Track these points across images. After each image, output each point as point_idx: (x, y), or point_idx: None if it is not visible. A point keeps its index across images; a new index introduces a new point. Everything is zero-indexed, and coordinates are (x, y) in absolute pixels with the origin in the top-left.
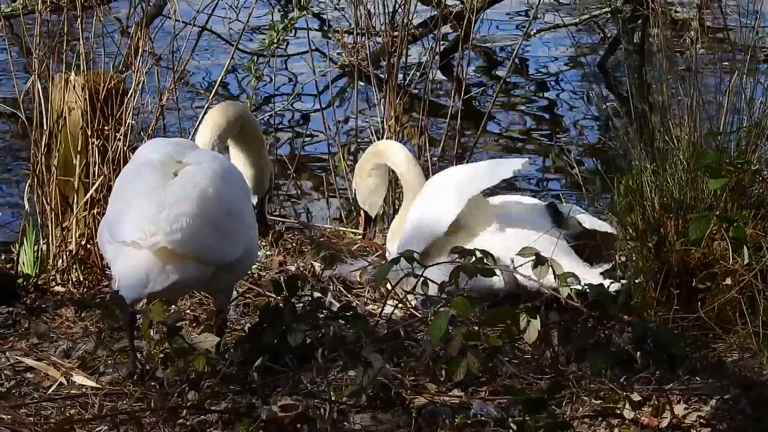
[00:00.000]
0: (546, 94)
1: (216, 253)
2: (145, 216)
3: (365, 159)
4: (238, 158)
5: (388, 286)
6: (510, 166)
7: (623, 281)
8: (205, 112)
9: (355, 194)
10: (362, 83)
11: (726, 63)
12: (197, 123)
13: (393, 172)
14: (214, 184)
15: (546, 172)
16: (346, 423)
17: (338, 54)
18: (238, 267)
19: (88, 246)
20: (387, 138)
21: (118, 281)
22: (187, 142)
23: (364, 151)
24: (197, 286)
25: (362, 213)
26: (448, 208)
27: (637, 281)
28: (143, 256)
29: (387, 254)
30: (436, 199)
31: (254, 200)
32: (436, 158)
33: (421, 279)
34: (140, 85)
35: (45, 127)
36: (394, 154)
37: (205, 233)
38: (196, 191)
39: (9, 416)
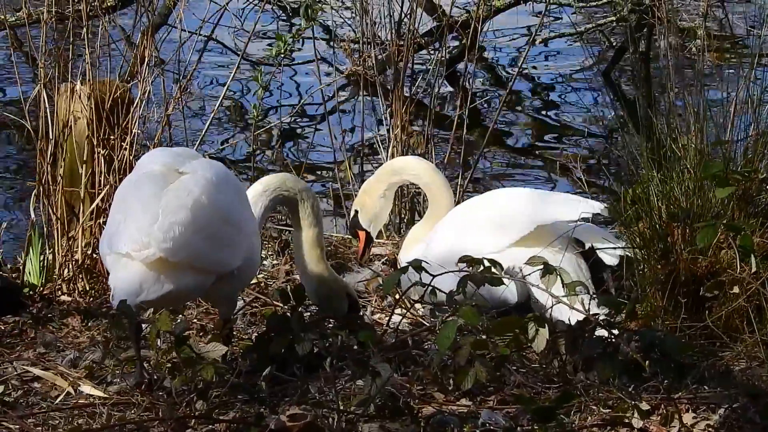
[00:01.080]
0: (552, 103)
1: (213, 261)
2: (139, 227)
3: (378, 179)
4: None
5: (396, 296)
6: (588, 206)
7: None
8: (211, 122)
9: (355, 214)
10: (368, 92)
11: (732, 71)
12: (203, 132)
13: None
14: (207, 192)
15: (552, 180)
16: None
17: (339, 57)
18: (238, 276)
19: (94, 255)
20: (393, 147)
21: (113, 290)
22: (189, 152)
23: (369, 160)
24: (196, 295)
25: (362, 234)
26: (508, 232)
27: (644, 290)
28: (138, 265)
29: (398, 263)
30: (493, 223)
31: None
32: (441, 167)
33: (429, 288)
34: (146, 95)
35: (51, 137)
36: (415, 167)
37: (200, 241)
38: (190, 200)
39: (17, 426)
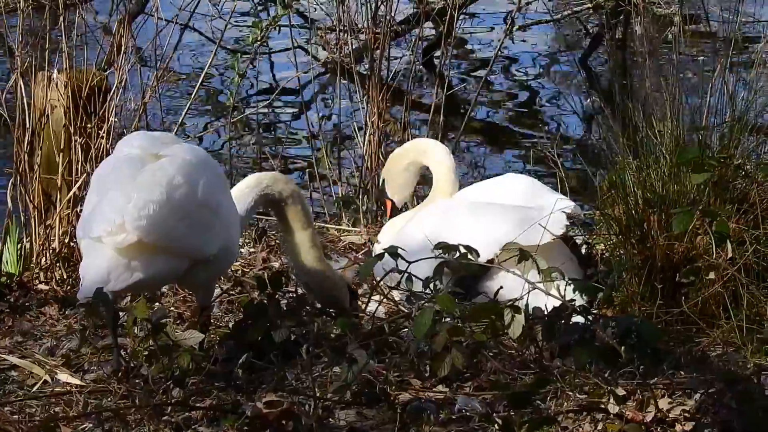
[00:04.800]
0: (528, 90)
1: (188, 245)
2: (113, 208)
3: (404, 152)
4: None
5: (373, 283)
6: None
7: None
8: (188, 110)
9: (381, 183)
10: (345, 80)
11: (706, 58)
12: (180, 119)
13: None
14: (183, 172)
15: (528, 167)
16: (330, 419)
17: (316, 45)
18: (214, 264)
19: (72, 244)
20: (370, 134)
21: (81, 279)
22: (169, 136)
23: (346, 147)
24: (168, 282)
25: (388, 202)
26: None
27: (620, 276)
28: (108, 252)
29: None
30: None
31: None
32: None
33: (405, 275)
34: (123, 83)
35: (28, 126)
36: (438, 157)
37: (175, 222)
38: (165, 178)
39: None
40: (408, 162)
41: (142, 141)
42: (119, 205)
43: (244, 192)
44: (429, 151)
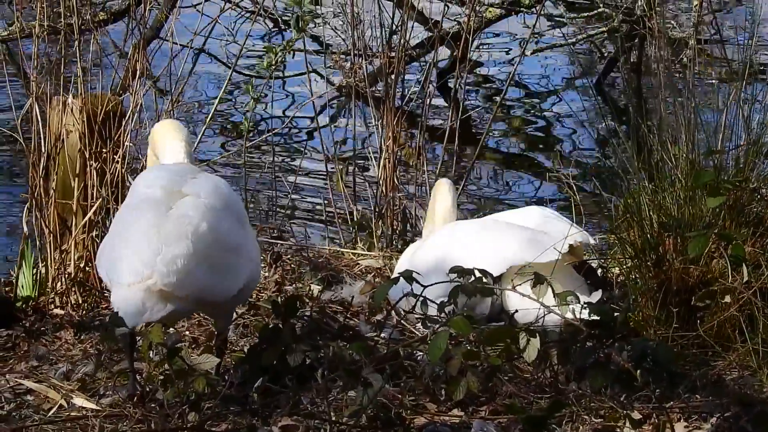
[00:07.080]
0: (543, 114)
1: (215, 291)
2: (141, 258)
3: (431, 197)
4: None
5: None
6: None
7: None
8: (203, 134)
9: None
10: (360, 104)
11: (717, 80)
12: (195, 145)
13: None
14: (208, 218)
15: (543, 191)
16: None
17: (332, 70)
18: (238, 296)
19: (87, 268)
20: (384, 158)
21: (118, 311)
22: (188, 168)
23: (361, 172)
24: (195, 313)
25: None
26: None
27: (636, 300)
28: (139, 291)
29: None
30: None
31: None
32: (433, 178)
33: (420, 299)
34: (138, 108)
35: (43, 150)
36: (439, 197)
37: (202, 272)
38: (191, 228)
39: None
40: (431, 202)
41: (162, 180)
42: (147, 257)
43: (175, 146)
44: (435, 190)
